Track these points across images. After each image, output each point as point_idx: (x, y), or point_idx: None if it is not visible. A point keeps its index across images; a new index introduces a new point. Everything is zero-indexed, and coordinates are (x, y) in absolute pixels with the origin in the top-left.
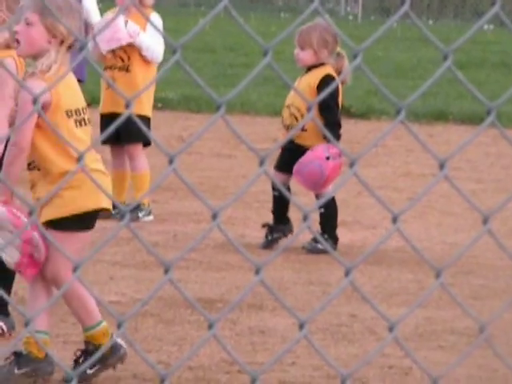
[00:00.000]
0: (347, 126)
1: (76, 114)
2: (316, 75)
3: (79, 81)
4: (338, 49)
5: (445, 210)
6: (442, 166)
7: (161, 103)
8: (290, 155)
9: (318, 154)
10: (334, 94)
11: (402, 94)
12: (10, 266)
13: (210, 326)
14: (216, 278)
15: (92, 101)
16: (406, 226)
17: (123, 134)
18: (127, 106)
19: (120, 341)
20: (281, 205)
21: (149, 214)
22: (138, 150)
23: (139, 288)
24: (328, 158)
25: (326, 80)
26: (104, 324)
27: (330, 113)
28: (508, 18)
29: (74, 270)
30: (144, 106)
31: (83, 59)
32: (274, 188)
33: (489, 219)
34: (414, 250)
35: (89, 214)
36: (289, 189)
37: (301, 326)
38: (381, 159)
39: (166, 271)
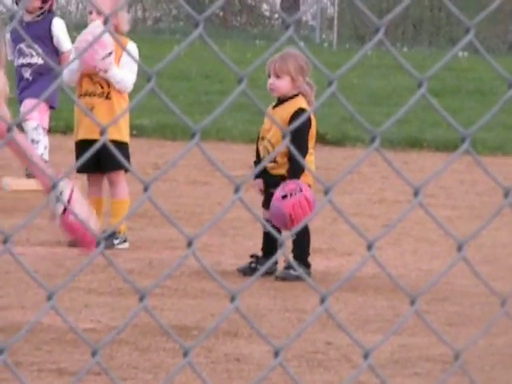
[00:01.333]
0: (322, 153)
1: None
2: (288, 109)
3: (51, 107)
4: (307, 79)
5: (420, 236)
6: (416, 193)
7: (136, 130)
8: (270, 189)
9: (275, 197)
10: (305, 129)
11: (377, 122)
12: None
13: (185, 354)
14: (191, 306)
15: (67, 128)
16: (381, 253)
17: (105, 162)
18: (102, 133)
19: None
20: (269, 240)
21: (124, 241)
22: (120, 176)
23: (114, 315)
24: (285, 197)
25: (299, 114)
26: None
27: (300, 147)
28: (482, 45)
29: (49, 298)
30: (122, 132)
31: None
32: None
33: (463, 246)
34: (389, 276)
35: None
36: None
37: (276, 354)
38: (356, 186)
39: (141, 299)
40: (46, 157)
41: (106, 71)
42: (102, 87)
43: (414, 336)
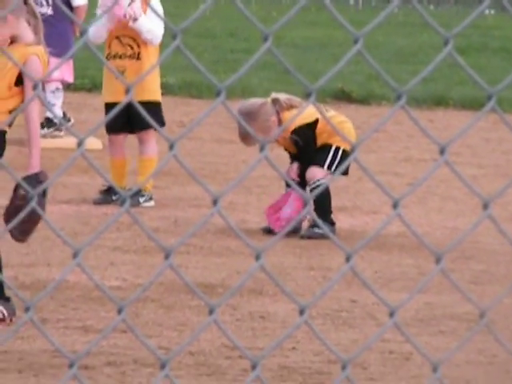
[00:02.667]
0: (348, 112)
1: None
2: (287, 132)
3: (67, 83)
4: (270, 97)
5: (445, 195)
6: (442, 151)
7: (161, 89)
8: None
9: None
10: (308, 139)
11: (402, 80)
12: None
13: (211, 311)
14: (217, 264)
15: (92, 86)
16: (406, 212)
17: (135, 121)
18: (127, 91)
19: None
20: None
21: (150, 199)
22: (150, 135)
23: (140, 273)
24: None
25: (297, 132)
26: None
27: (308, 153)
28: (509, 3)
29: (75, 255)
30: (154, 91)
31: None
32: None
33: (489, 204)
34: (414, 235)
35: None
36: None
37: (301, 312)
38: (381, 144)
39: (167, 257)
40: (60, 114)
41: (135, 19)
42: (132, 48)
43: (439, 294)
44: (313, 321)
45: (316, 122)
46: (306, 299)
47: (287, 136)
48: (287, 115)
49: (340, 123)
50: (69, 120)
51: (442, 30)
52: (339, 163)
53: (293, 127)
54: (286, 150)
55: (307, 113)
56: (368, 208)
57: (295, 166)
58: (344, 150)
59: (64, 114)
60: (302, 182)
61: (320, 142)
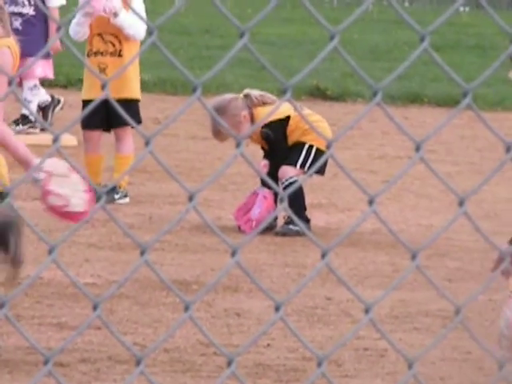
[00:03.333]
0: (323, 109)
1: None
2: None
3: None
4: (243, 93)
5: (420, 192)
6: (417, 148)
7: None
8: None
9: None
10: (277, 136)
11: (377, 77)
12: (78, 209)
13: (186, 308)
14: (192, 260)
15: (67, 83)
16: (381, 209)
17: (113, 118)
18: (103, 87)
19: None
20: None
21: (125, 196)
22: (127, 132)
23: (115, 270)
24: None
25: (266, 129)
26: None
27: (279, 151)
28: (483, 0)
29: (50, 251)
30: (134, 89)
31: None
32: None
33: (464, 201)
34: (389, 232)
35: None
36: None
37: (277, 308)
38: (356, 142)
39: (142, 253)
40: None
41: (115, 14)
42: (114, 45)
43: (414, 291)
44: (288, 318)
45: (287, 119)
46: (281, 296)
47: (258, 131)
48: (260, 111)
49: (315, 122)
50: (58, 101)
51: (417, 27)
52: (312, 162)
53: (260, 130)
54: (261, 147)
55: (279, 109)
56: (343, 205)
57: (263, 163)
58: (317, 149)
59: (52, 96)
60: (272, 180)
61: (292, 140)
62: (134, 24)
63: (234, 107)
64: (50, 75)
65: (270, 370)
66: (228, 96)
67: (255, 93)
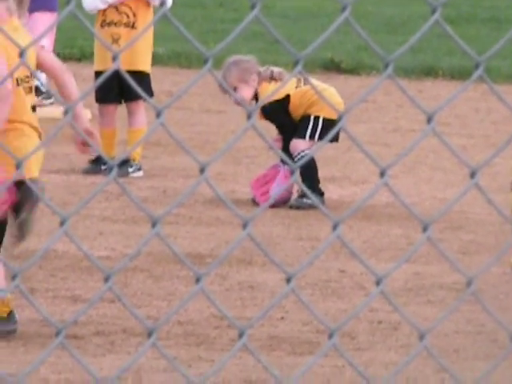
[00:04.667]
0: (337, 82)
1: (24, 81)
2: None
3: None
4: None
5: (435, 165)
6: (429, 120)
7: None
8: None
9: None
10: (279, 117)
11: (391, 50)
12: None
13: (198, 280)
14: (205, 234)
15: (82, 56)
16: (395, 182)
17: (126, 91)
18: (114, 59)
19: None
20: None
21: (139, 169)
22: (139, 106)
23: (129, 243)
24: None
25: (265, 108)
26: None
27: (285, 129)
28: None
29: (62, 223)
30: (145, 62)
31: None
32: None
33: (476, 173)
34: (402, 204)
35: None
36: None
37: (288, 280)
38: (370, 115)
39: (154, 225)
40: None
41: None
42: (128, 16)
43: (428, 264)
44: (301, 291)
45: (287, 97)
46: (295, 269)
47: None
48: (264, 86)
49: (322, 91)
50: None
51: None
52: (321, 132)
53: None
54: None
55: (279, 91)
56: (357, 178)
57: (276, 137)
58: (325, 119)
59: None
60: (286, 155)
61: (299, 115)
62: None
63: (248, 65)
64: (51, 47)
65: (284, 343)
66: (249, 56)
67: (274, 69)
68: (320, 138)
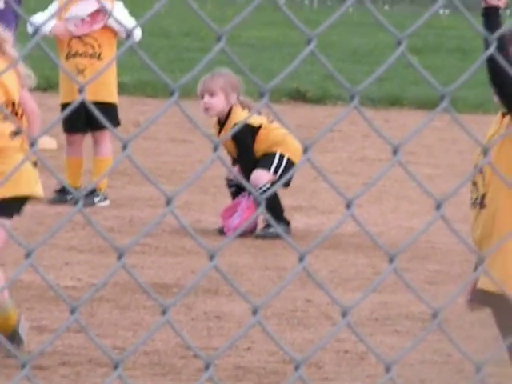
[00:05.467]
0: (303, 111)
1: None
2: (229, 125)
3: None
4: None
5: (400, 194)
6: (395, 151)
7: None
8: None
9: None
10: (247, 139)
11: (358, 80)
12: None
13: (164, 312)
14: (172, 263)
15: (48, 86)
16: (361, 211)
17: (91, 121)
18: (80, 91)
19: (23, 334)
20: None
21: (105, 199)
22: (105, 135)
23: (95, 273)
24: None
25: (237, 130)
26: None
27: (245, 159)
28: (463, 4)
29: (27, 255)
30: (112, 93)
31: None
32: (229, 185)
33: (442, 205)
34: (367, 234)
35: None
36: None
37: (254, 312)
38: (336, 144)
39: (120, 257)
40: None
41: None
42: (94, 48)
43: (395, 294)
44: (268, 321)
45: (259, 128)
46: (262, 299)
47: (229, 128)
48: (236, 110)
49: (284, 135)
50: None
51: (395, 31)
52: (284, 170)
53: (236, 120)
54: (228, 153)
55: (253, 117)
56: (324, 208)
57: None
58: (289, 159)
59: None
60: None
61: (261, 151)
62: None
63: (236, 82)
64: None
65: (250, 373)
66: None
67: (246, 99)
68: (281, 175)
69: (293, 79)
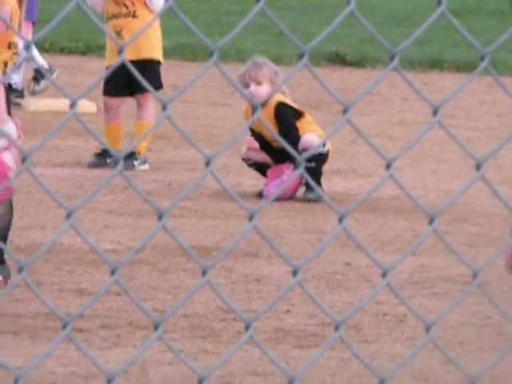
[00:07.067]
0: (342, 75)
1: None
2: (270, 106)
3: (33, 23)
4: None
5: (440, 157)
6: (435, 112)
7: None
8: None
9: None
10: (291, 118)
11: (397, 42)
12: None
13: (204, 273)
14: (211, 226)
15: (86, 49)
16: (400, 174)
17: (134, 84)
18: (120, 52)
19: None
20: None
21: (144, 162)
22: (148, 99)
23: (134, 236)
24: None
25: (280, 108)
26: None
27: (291, 136)
28: None
29: (68, 216)
30: (152, 49)
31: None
32: (249, 165)
33: (482, 165)
34: (408, 196)
35: None
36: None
37: (294, 273)
38: (375, 107)
39: (160, 218)
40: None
41: None
42: (127, 7)
43: (433, 256)
44: (307, 283)
45: (303, 113)
46: (301, 262)
47: (271, 110)
48: (278, 94)
49: (310, 123)
50: (52, 72)
51: None
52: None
53: (277, 102)
54: (256, 138)
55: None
56: (363, 171)
57: (249, 139)
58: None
59: (49, 66)
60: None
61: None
62: None
63: (276, 70)
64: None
65: (289, 336)
66: None
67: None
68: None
69: (331, 42)
